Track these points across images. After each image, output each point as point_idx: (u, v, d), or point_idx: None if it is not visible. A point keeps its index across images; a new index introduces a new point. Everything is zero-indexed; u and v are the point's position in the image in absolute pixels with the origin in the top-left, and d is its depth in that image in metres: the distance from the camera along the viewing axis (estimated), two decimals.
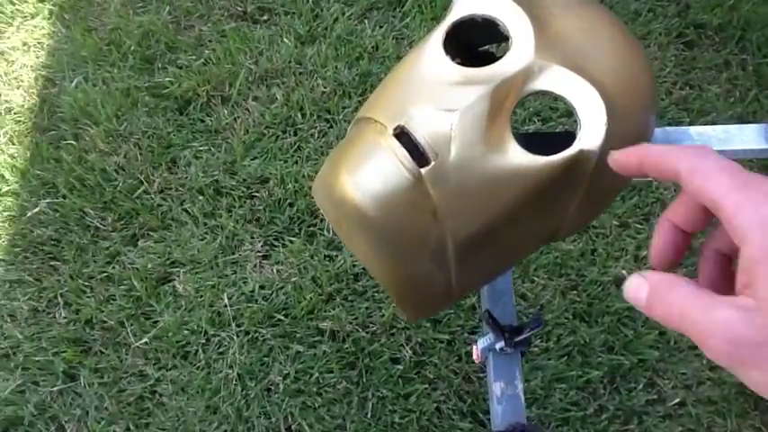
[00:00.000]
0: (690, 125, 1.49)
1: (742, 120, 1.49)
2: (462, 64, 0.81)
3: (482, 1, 0.70)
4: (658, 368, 1.33)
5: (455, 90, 0.65)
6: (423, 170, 0.63)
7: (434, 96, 0.66)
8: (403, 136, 0.65)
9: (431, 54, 0.68)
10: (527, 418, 0.78)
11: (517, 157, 0.64)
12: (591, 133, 0.64)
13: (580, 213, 0.74)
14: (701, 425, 1.30)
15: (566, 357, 1.33)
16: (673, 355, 1.34)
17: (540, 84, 0.66)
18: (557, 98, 0.67)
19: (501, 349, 0.78)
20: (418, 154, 0.64)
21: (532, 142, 0.82)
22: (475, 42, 0.75)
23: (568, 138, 0.66)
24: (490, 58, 0.70)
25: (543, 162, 0.64)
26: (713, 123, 1.49)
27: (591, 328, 1.35)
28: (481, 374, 1.33)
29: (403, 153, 0.64)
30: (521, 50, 0.66)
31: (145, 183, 1.45)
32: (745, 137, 0.86)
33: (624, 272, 1.38)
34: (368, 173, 0.65)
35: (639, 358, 1.33)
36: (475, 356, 0.83)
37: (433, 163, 0.63)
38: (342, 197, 0.67)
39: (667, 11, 1.58)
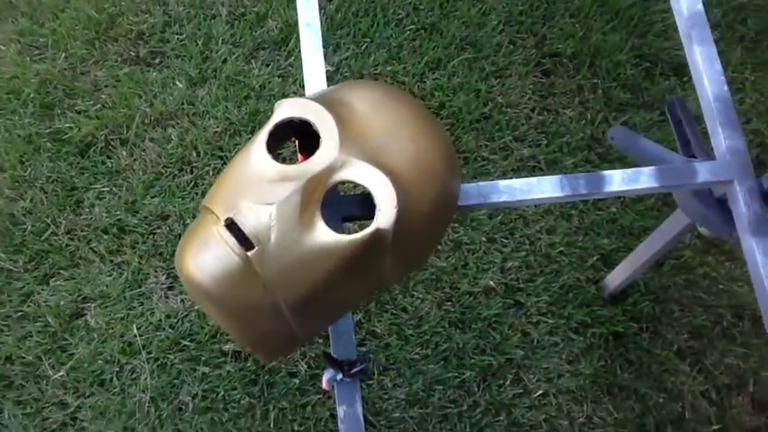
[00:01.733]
0: (547, 146, 1.69)
1: (593, 138, 1.69)
2: (299, 141, 0.96)
3: (298, 106, 0.86)
4: (523, 365, 1.53)
5: (273, 186, 0.82)
6: (249, 253, 0.80)
7: (257, 192, 0.82)
8: (233, 225, 0.81)
9: (256, 154, 0.85)
10: None
11: (326, 237, 0.82)
12: (385, 215, 0.82)
13: (397, 269, 0.93)
14: (562, 412, 1.51)
15: (443, 361, 1.52)
16: (536, 353, 1.54)
17: (343, 175, 0.83)
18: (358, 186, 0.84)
19: (341, 380, 0.95)
20: (246, 240, 0.80)
21: (356, 203, 0.99)
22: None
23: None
24: None
25: (347, 240, 0.82)
26: (567, 144, 1.69)
27: (464, 333, 1.54)
28: (369, 382, 1.50)
29: (232, 241, 0.80)
30: (327, 149, 0.83)
31: (52, 225, 1.57)
32: (543, 188, 1.05)
33: (492, 282, 1.57)
34: (206, 258, 0.82)
35: (507, 358, 1.53)
36: (324, 386, 1.00)
37: (256, 248, 0.80)
38: (188, 277, 0.83)
39: (526, 42, 1.77)
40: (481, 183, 1.06)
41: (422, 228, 0.90)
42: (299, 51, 1.75)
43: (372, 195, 0.83)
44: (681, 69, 1.73)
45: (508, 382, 1.52)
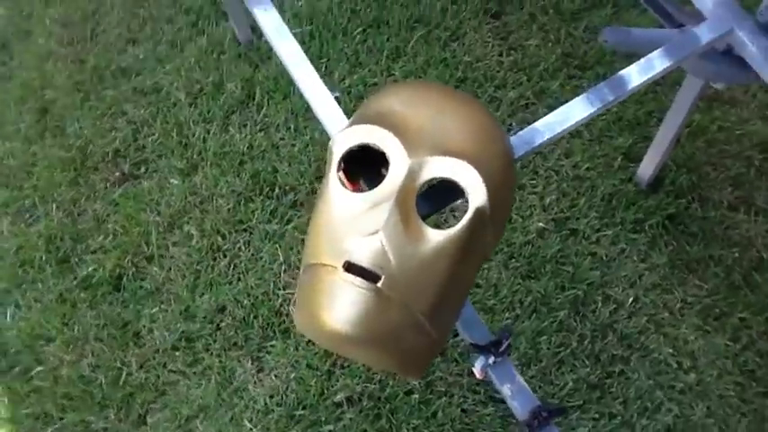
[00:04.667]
0: (529, 81, 1.75)
1: (565, 54, 1.76)
2: (367, 168, 0.98)
3: (351, 135, 0.90)
4: (604, 283, 1.60)
5: (369, 215, 0.86)
6: (378, 285, 0.83)
7: (356, 227, 0.86)
8: (353, 266, 0.85)
9: (336, 195, 0.89)
10: (540, 399, 0.99)
11: (437, 237, 0.86)
12: (478, 193, 0.87)
13: (494, 236, 0.97)
14: (658, 306, 1.58)
15: (534, 314, 1.57)
16: (610, 267, 1.61)
17: (425, 176, 0.88)
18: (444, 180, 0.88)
19: (494, 362, 1.00)
20: (369, 274, 0.84)
21: (434, 195, 1.03)
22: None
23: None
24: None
25: (456, 230, 0.86)
26: (546, 71, 1.76)
27: (539, 280, 1.60)
28: None
29: (359, 281, 0.84)
30: (399, 160, 0.87)
31: (124, 367, 1.58)
32: (576, 111, 1.11)
33: (541, 224, 1.63)
34: (341, 307, 0.85)
35: (587, 283, 1.59)
36: (479, 375, 1.04)
37: (383, 276, 0.83)
38: (331, 332, 0.87)
39: None
40: (520, 132, 1.12)
41: (502, 189, 0.96)
42: (268, 99, 1.80)
43: (457, 182, 0.88)
44: None
45: (600, 305, 1.58)
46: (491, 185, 0.89)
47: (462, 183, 0.87)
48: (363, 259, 0.84)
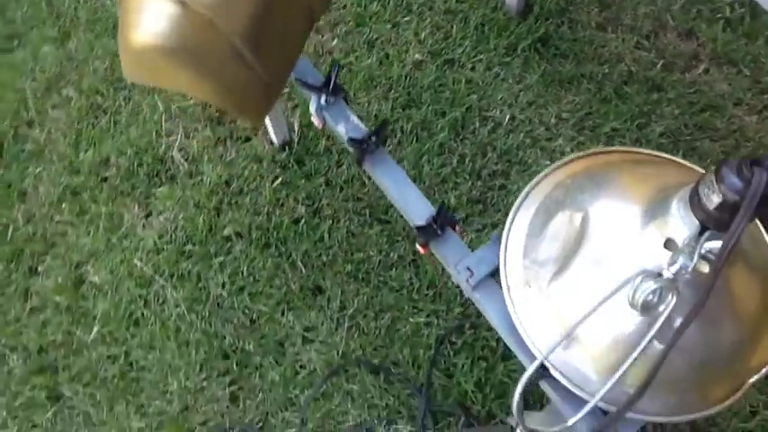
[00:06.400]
0: None
1: None
2: None
3: None
4: (482, 106, 1.68)
5: None
6: None
7: None
8: None
9: None
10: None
11: None
12: None
13: None
14: (534, 122, 1.67)
15: (416, 139, 1.65)
16: (486, 91, 1.69)
17: None
18: None
19: (327, 102, 1.06)
20: None
21: None
22: None
23: None
24: None
25: None
26: None
27: (419, 109, 1.68)
28: (367, 182, 1.61)
29: None
30: None
31: (10, 223, 1.62)
32: None
33: (417, 56, 1.71)
34: (148, 21, 0.91)
35: (465, 107, 1.68)
36: (316, 123, 1.10)
37: None
38: (143, 47, 0.92)
39: None
40: None
41: None
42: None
43: None
44: None
45: (478, 125, 1.67)
46: None
47: None
48: None
